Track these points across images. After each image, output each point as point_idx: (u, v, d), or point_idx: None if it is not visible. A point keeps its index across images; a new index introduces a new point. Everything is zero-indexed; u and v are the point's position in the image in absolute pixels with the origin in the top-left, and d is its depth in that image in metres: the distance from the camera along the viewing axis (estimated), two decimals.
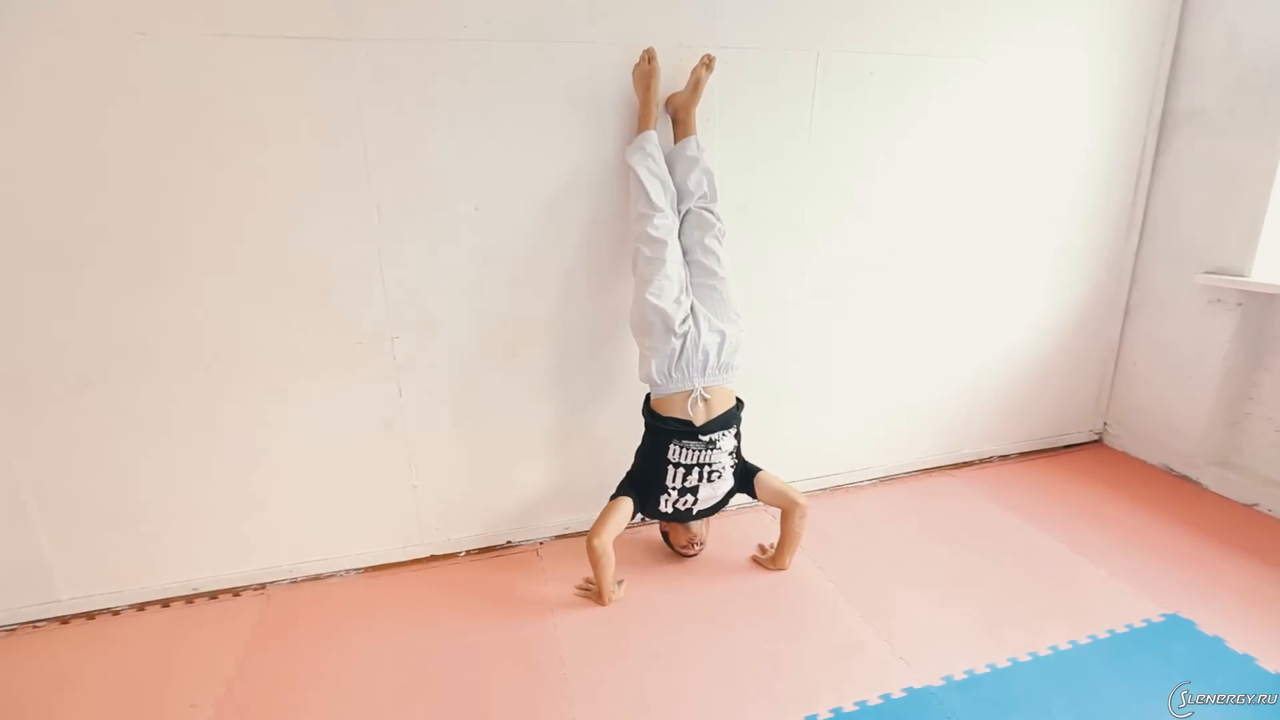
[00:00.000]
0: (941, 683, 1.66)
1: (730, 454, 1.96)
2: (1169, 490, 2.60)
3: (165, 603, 2.02)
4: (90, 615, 1.97)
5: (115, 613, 1.98)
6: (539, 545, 2.32)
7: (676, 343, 1.86)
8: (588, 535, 1.90)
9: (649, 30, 1.94)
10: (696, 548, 2.12)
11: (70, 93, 1.61)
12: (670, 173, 1.97)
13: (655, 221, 1.88)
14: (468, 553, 2.27)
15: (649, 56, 1.89)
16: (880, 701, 1.60)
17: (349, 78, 1.76)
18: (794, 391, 2.48)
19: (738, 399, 2.01)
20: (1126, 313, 2.85)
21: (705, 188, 1.97)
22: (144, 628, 1.92)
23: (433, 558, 2.23)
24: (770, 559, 2.15)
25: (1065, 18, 2.36)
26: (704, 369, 1.89)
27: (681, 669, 1.72)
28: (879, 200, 2.35)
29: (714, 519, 2.15)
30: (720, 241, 1.99)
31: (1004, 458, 2.89)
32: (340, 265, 1.90)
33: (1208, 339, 2.54)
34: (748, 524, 2.40)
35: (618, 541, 1.96)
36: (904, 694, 1.62)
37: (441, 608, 1.98)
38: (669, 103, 2.00)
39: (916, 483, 2.71)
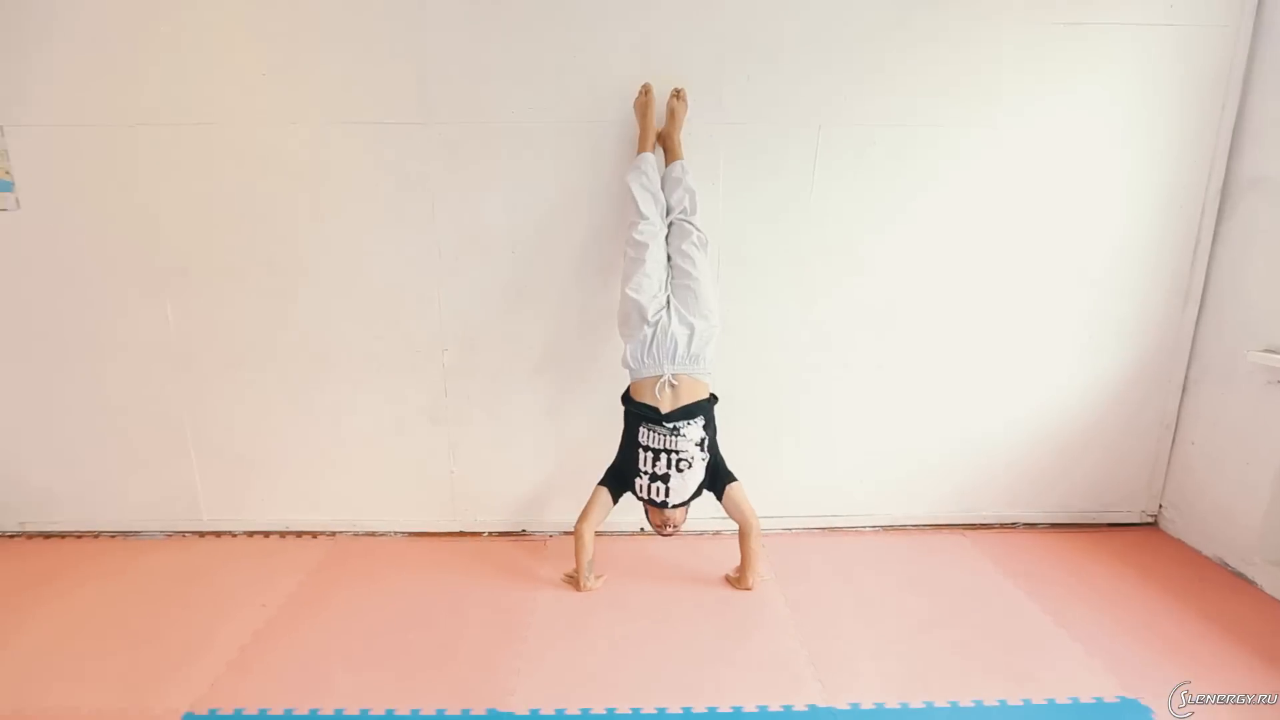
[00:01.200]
0: (847, 708, 1.78)
1: (698, 444, 2.16)
2: (1213, 584, 2.39)
3: (266, 534, 2.68)
4: (218, 534, 2.67)
5: (234, 535, 2.67)
6: (548, 537, 2.71)
7: (649, 331, 2.14)
8: (576, 521, 2.25)
9: (661, 106, 2.32)
10: (670, 529, 2.28)
11: (248, 165, 2.34)
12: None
13: (640, 227, 2.21)
14: (490, 534, 2.71)
15: (645, 90, 2.26)
16: (780, 710, 1.76)
17: (424, 151, 2.34)
18: (794, 430, 2.66)
19: (712, 394, 2.24)
20: (1185, 388, 2.67)
21: (686, 203, 2.26)
22: (248, 548, 2.59)
23: (462, 533, 2.70)
24: (736, 579, 2.35)
25: (1093, 82, 2.37)
26: (673, 357, 2.14)
27: (622, 650, 2.00)
28: (882, 259, 2.50)
29: (701, 541, 2.38)
30: (699, 248, 2.23)
31: (1030, 526, 2.80)
32: (409, 290, 2.46)
33: (1267, 422, 2.34)
34: (732, 545, 2.60)
35: (610, 545, 2.27)
36: (805, 709, 1.77)
37: (455, 571, 2.43)
38: (658, 135, 2.33)
39: (921, 536, 2.72)
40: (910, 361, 2.60)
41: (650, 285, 2.17)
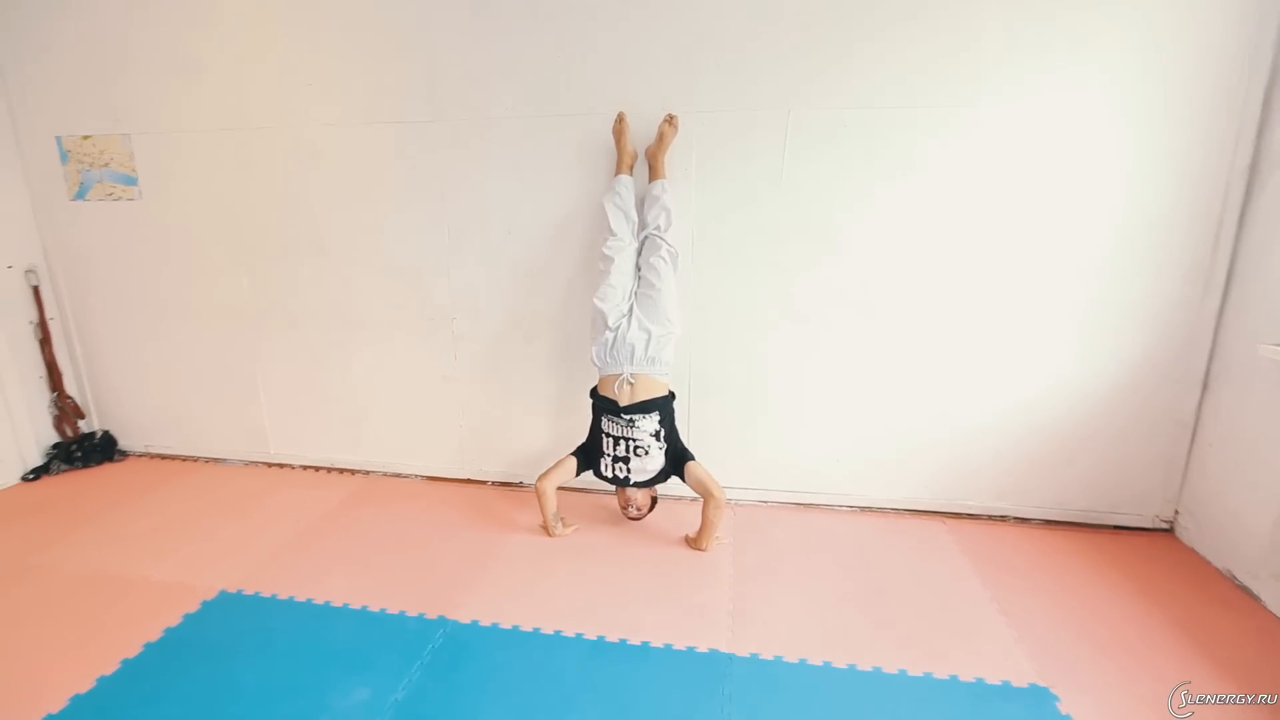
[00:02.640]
0: (746, 655, 1.93)
1: (652, 435, 2.38)
2: (1209, 596, 2.23)
3: (316, 468, 3.22)
4: (281, 465, 3.25)
5: (292, 467, 3.24)
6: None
7: (609, 335, 2.40)
8: (537, 479, 2.54)
9: (636, 98, 2.50)
10: (632, 510, 2.55)
11: (298, 161, 2.83)
12: (641, 207, 2.51)
13: (609, 243, 2.44)
14: (492, 483, 3.07)
15: (620, 118, 2.48)
16: (683, 649, 1.95)
17: (434, 146, 2.70)
18: (767, 408, 2.76)
19: (670, 392, 2.46)
20: (1205, 385, 2.45)
21: (662, 220, 2.45)
22: (301, 478, 3.13)
23: (468, 480, 3.09)
24: (693, 540, 2.52)
25: (1089, 55, 2.25)
26: (631, 358, 2.38)
27: (565, 585, 2.26)
28: (859, 239, 2.53)
29: (680, 507, 2.58)
30: (667, 262, 2.44)
31: (1021, 521, 2.70)
32: (424, 266, 2.85)
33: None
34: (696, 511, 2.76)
35: (598, 500, 2.57)
36: (707, 651, 1.94)
37: (454, 510, 2.81)
38: (646, 152, 2.53)
39: (897, 520, 2.73)
40: (889, 344, 2.61)
41: (614, 295, 2.42)
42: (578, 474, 2.55)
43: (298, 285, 2.99)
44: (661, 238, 2.45)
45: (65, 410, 3.23)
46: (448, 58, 2.60)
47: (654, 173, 2.51)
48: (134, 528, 2.66)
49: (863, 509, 2.80)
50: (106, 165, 2.98)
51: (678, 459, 2.47)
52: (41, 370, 3.16)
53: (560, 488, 2.55)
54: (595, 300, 2.43)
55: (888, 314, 2.58)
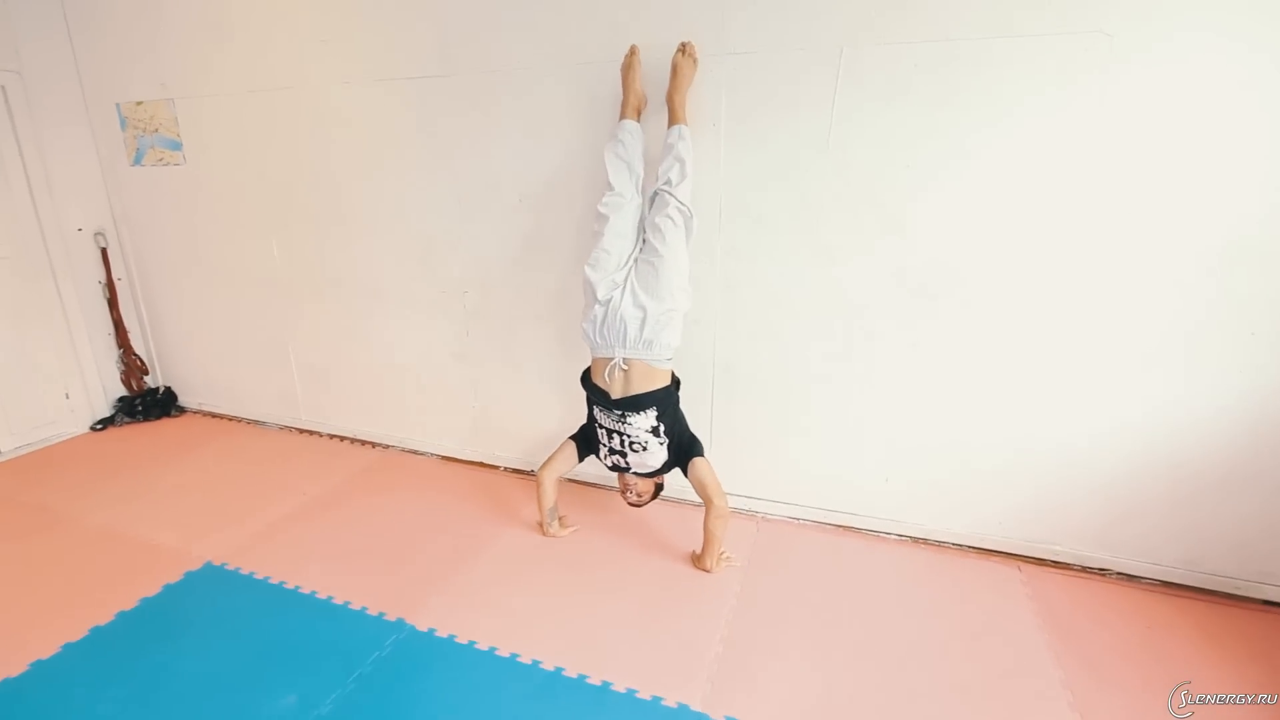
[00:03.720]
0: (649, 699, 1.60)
1: (649, 431, 2.03)
2: None
3: (340, 438, 3.20)
4: (310, 432, 3.27)
5: (319, 435, 3.24)
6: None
7: (599, 310, 2.02)
8: (539, 468, 2.30)
9: (661, 40, 2.11)
10: (631, 496, 2.20)
11: (318, 123, 2.72)
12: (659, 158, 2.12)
13: (605, 199, 2.07)
14: (504, 469, 2.89)
15: (631, 50, 2.09)
16: (648, 699, 1.65)
17: (446, 104, 2.47)
18: (804, 409, 2.33)
19: (674, 380, 2.08)
20: None
21: (672, 173, 2.04)
22: (324, 446, 3.13)
23: (481, 464, 2.93)
24: (698, 558, 2.19)
25: None
26: (624, 340, 1.99)
27: (544, 599, 2.03)
28: (925, 216, 2.01)
29: (696, 514, 2.21)
30: (674, 222, 2.01)
31: (1128, 578, 2.11)
32: (434, 235, 2.67)
33: None
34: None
35: (607, 500, 2.29)
36: (675, 707, 1.63)
37: (456, 497, 2.65)
38: (665, 94, 2.12)
39: (958, 559, 2.23)
40: (959, 343, 2.09)
41: (606, 262, 2.04)
42: (580, 460, 2.27)
43: (322, 253, 2.93)
44: (672, 194, 2.02)
45: (131, 366, 3.43)
46: (460, 8, 2.34)
47: (671, 116, 2.11)
48: (160, 486, 2.75)
49: (914, 540, 2.32)
50: (156, 131, 3.05)
51: (683, 450, 2.11)
52: (110, 328, 3.36)
53: (571, 479, 2.26)
54: (585, 267, 2.07)
55: (958, 307, 2.06)
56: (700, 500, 2.11)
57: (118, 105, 3.10)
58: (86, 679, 1.72)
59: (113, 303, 3.34)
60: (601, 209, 2.07)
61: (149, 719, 1.60)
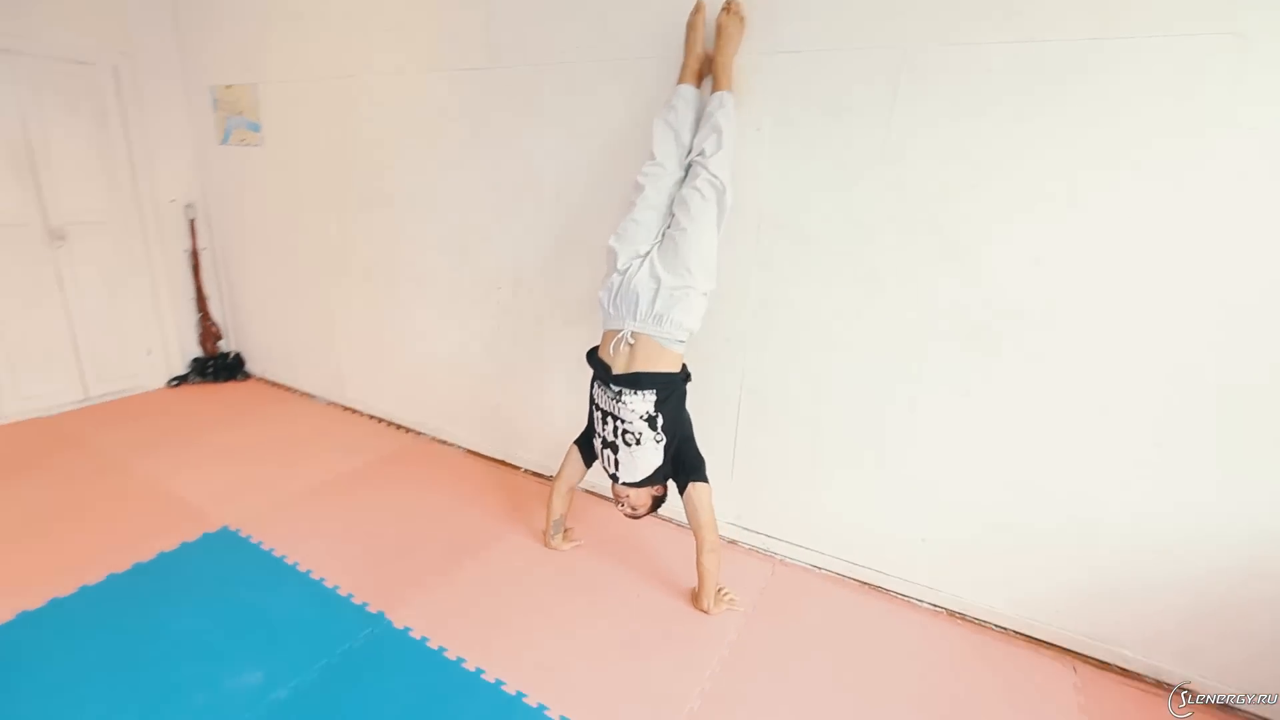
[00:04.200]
0: None
1: (644, 420, 1.85)
2: None
3: (379, 419, 3.27)
4: (353, 411, 3.37)
5: (360, 414, 3.33)
6: (583, 491, 2.71)
7: (616, 279, 1.91)
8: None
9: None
10: (627, 509, 2.04)
11: (375, 110, 2.77)
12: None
13: (645, 169, 1.94)
14: (525, 470, 2.84)
15: (697, 7, 1.93)
16: None
17: (489, 95, 2.44)
18: (837, 447, 2.11)
19: (683, 371, 1.92)
20: None
21: (708, 144, 1.87)
22: (363, 427, 3.21)
23: (503, 463, 2.89)
24: (694, 596, 2.03)
25: None
26: (635, 312, 1.86)
27: (523, 613, 1.94)
28: (993, 247, 1.74)
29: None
30: (704, 196, 1.84)
31: (1227, 710, 1.73)
32: (476, 229, 2.65)
33: None
34: (743, 562, 2.23)
35: (619, 519, 2.21)
36: None
37: (471, 493, 2.62)
38: (706, 60, 1.97)
39: (999, 645, 1.93)
40: (1018, 395, 1.80)
41: (634, 234, 1.92)
42: (588, 464, 2.15)
43: (371, 238, 3.00)
44: (705, 165, 1.86)
45: (207, 330, 3.68)
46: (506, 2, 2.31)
47: (715, 82, 1.94)
48: (208, 446, 2.91)
49: (950, 613, 2.04)
50: (240, 113, 3.24)
51: (683, 465, 1.94)
52: (192, 293, 3.62)
53: (586, 490, 2.15)
54: (611, 237, 1.95)
55: (1022, 356, 1.77)
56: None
57: (211, 87, 3.31)
58: (86, 624, 1.81)
59: (196, 270, 3.59)
60: (639, 178, 1.95)
61: (125, 675, 1.65)
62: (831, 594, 2.12)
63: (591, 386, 1.99)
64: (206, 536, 2.24)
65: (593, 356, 1.98)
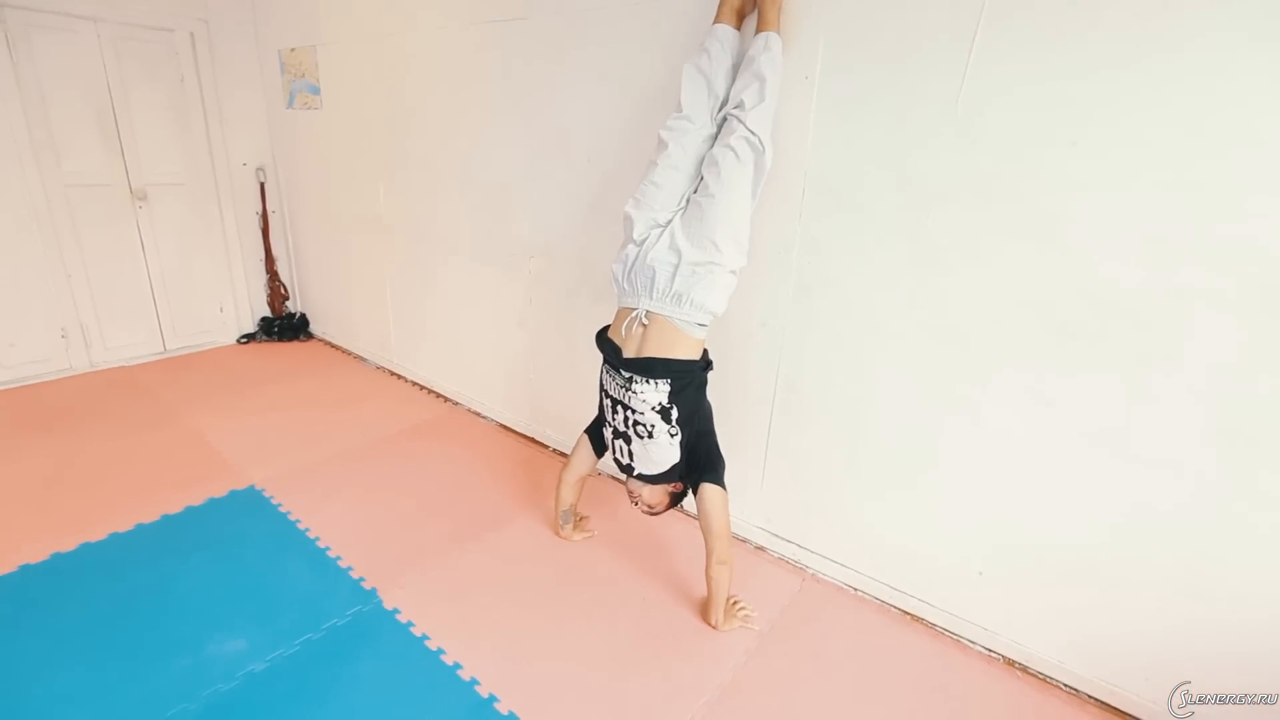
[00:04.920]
0: None
1: (657, 411, 1.65)
2: None
3: (420, 386, 3.27)
4: (398, 375, 3.39)
5: (404, 379, 3.35)
6: (599, 474, 2.56)
7: (631, 251, 1.69)
8: None
9: None
10: (642, 507, 1.86)
11: (411, 64, 2.68)
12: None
13: (669, 122, 1.70)
14: (553, 450, 2.72)
15: None
16: None
17: (522, 46, 2.27)
18: (884, 454, 1.82)
19: (705, 359, 1.69)
20: None
21: (747, 95, 1.59)
22: (404, 392, 3.22)
23: (532, 440, 2.79)
24: (703, 608, 1.83)
25: None
26: (650, 289, 1.64)
27: (516, 607, 1.83)
28: (1091, 221, 1.38)
29: (740, 548, 1.78)
30: (738, 156, 1.58)
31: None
32: (510, 191, 2.51)
33: None
34: (770, 572, 2.00)
35: (620, 508, 2.08)
36: None
37: (496, 470, 2.53)
38: None
39: (1067, 707, 1.59)
40: (1117, 410, 1.44)
41: (653, 197, 1.69)
42: (599, 454, 1.98)
43: (414, 201, 2.94)
44: (741, 120, 1.59)
45: (275, 291, 3.82)
46: None
47: (760, 22, 1.66)
48: (257, 404, 3.01)
49: (1007, 661, 1.71)
50: (303, 76, 3.26)
51: (698, 462, 1.73)
52: (261, 254, 3.76)
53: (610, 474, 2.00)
54: (627, 204, 1.73)
55: (1130, 360, 1.40)
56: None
57: (279, 51, 3.36)
58: (102, 571, 1.88)
59: (265, 232, 3.72)
60: (663, 133, 1.70)
61: (120, 629, 1.68)
62: (864, 620, 1.85)
63: (601, 371, 1.80)
64: (233, 494, 2.29)
65: (602, 337, 1.78)
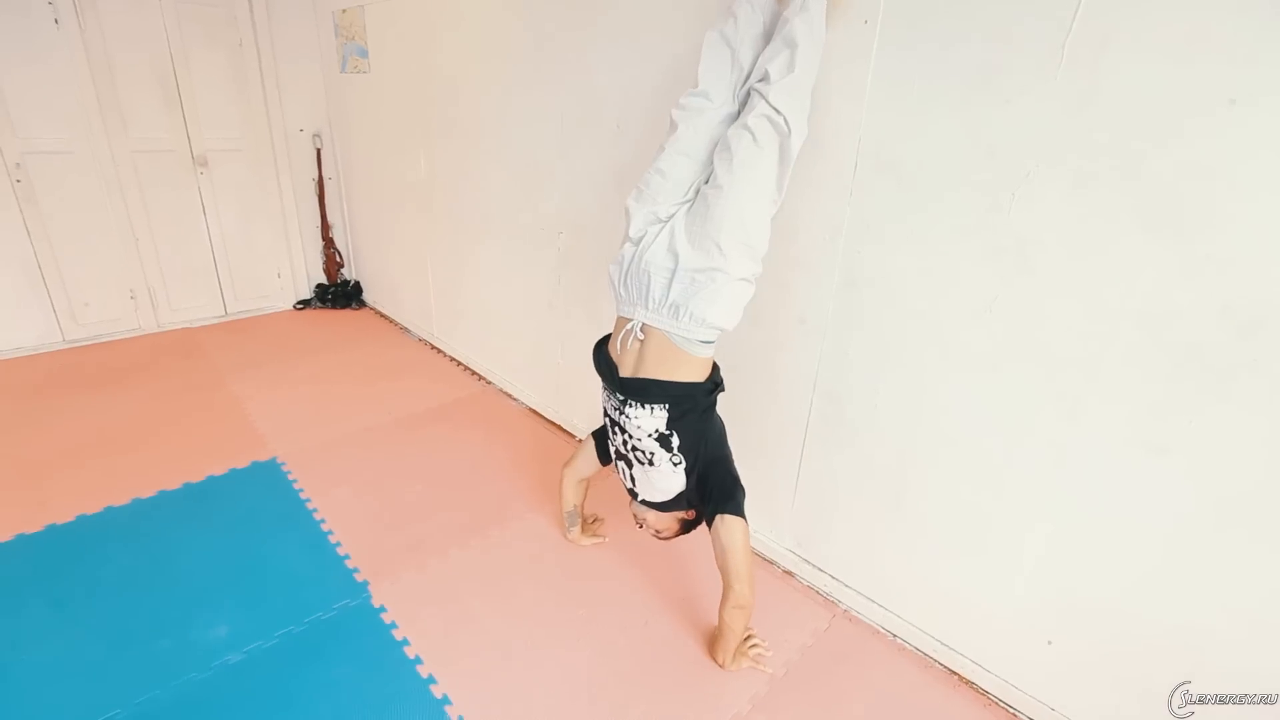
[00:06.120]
0: None
1: (655, 439, 1.44)
2: None
3: (458, 362, 3.19)
4: (438, 350, 3.32)
5: (442, 354, 3.28)
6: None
7: (628, 251, 1.45)
8: None
9: None
10: (651, 531, 1.69)
11: (452, 25, 2.50)
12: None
13: (682, 100, 1.44)
14: (579, 439, 2.56)
15: None
16: None
17: (553, 10, 2.03)
18: (939, 490, 1.52)
19: (712, 380, 1.45)
20: None
21: (775, 65, 1.29)
22: (442, 368, 3.14)
23: (559, 428, 2.63)
24: (711, 644, 1.61)
25: None
26: (646, 298, 1.40)
27: (519, 605, 1.69)
28: (1249, 211, 1.01)
29: (763, 571, 1.49)
30: (755, 137, 1.30)
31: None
32: (540, 164, 2.32)
33: None
34: (796, 601, 1.77)
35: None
36: None
37: (519, 458, 2.40)
38: None
39: None
40: (1264, 473, 1.08)
41: (658, 188, 1.43)
42: (602, 462, 1.79)
43: (450, 171, 2.81)
44: (764, 95, 1.31)
45: (330, 258, 3.86)
46: None
47: None
48: (299, 373, 3.03)
49: None
50: (353, 39, 3.18)
51: (713, 491, 1.50)
52: (318, 221, 3.78)
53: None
54: (629, 197, 1.48)
55: None
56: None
57: (333, 13, 3.29)
58: (120, 538, 1.90)
59: (321, 199, 3.73)
60: (674, 113, 1.44)
61: (113, 603, 1.67)
62: (900, 673, 1.58)
63: (602, 388, 1.59)
64: (255, 465, 2.28)
65: (600, 350, 1.56)
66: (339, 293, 3.86)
